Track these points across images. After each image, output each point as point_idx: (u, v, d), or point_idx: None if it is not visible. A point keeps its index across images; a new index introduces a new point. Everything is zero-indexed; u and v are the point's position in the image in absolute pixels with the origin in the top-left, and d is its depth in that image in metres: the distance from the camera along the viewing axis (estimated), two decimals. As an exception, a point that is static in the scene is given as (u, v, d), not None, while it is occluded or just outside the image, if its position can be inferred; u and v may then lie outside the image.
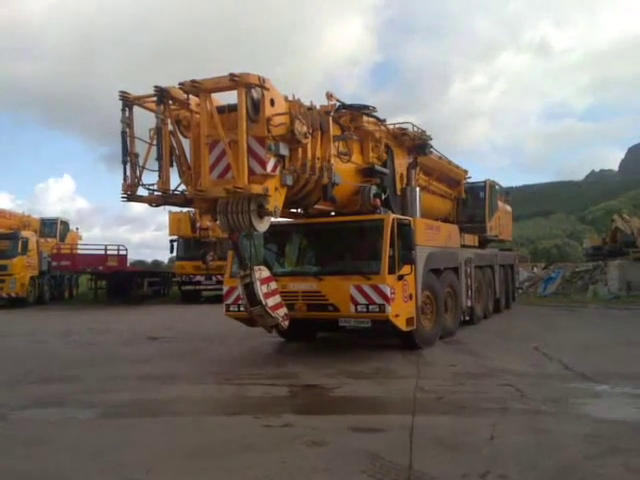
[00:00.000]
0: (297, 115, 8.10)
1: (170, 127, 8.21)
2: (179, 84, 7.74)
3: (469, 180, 16.35)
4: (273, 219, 9.01)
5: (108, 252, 26.05)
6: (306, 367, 8.83)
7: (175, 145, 8.37)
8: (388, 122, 11.25)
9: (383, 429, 5.61)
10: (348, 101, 10.09)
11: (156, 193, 8.20)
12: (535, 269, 30.92)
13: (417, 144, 11.87)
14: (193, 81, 7.58)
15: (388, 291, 8.82)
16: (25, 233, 25.42)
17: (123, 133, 8.08)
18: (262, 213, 7.84)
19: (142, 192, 8.34)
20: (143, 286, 28.32)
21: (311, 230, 10.54)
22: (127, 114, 8.13)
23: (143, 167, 8.19)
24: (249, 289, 8.19)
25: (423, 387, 7.30)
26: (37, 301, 25.41)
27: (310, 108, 8.76)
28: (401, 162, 11.70)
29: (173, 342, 12.48)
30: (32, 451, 5.23)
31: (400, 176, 11.58)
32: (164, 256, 54.67)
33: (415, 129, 11.86)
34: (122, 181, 8.20)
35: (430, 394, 6.96)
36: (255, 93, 7.58)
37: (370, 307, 8.90)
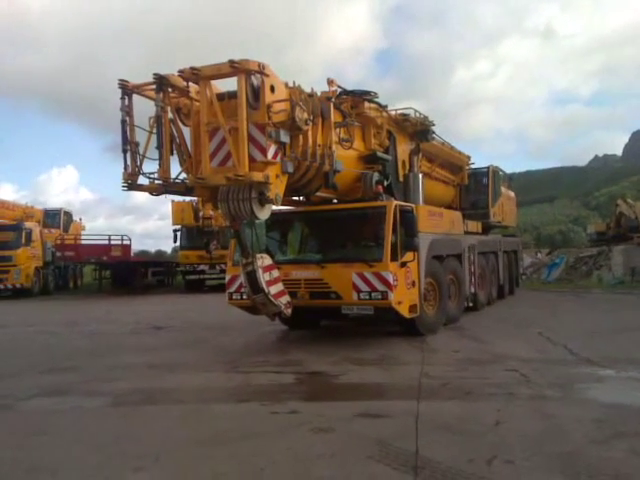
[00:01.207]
0: (298, 102, 8.03)
1: (170, 115, 8.16)
2: (178, 71, 7.68)
3: (472, 166, 16.28)
4: (274, 207, 9.00)
5: (112, 242, 26.12)
6: (311, 354, 8.86)
7: (175, 133, 8.32)
8: (390, 108, 11.19)
9: (389, 415, 5.63)
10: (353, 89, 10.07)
11: (157, 182, 8.17)
12: (539, 255, 30.87)
13: (419, 130, 11.79)
14: (192, 68, 7.53)
15: (391, 278, 8.82)
16: (29, 224, 25.48)
17: (123, 122, 8.02)
18: (263, 201, 7.80)
19: (143, 181, 8.33)
20: (147, 276, 28.42)
21: (313, 218, 10.54)
22: (126, 102, 8.06)
23: (144, 156, 8.14)
24: (251, 277, 8.20)
25: (428, 373, 7.31)
26: (42, 291, 25.51)
27: (311, 95, 8.71)
28: (403, 148, 11.65)
29: (178, 331, 12.53)
30: (39, 441, 5.26)
31: (402, 162, 11.53)
32: (168, 246, 54.86)
33: (417, 115, 11.78)
34: (122, 170, 8.16)
35: (435, 380, 6.97)
36: (255, 80, 7.54)
37: (373, 294, 8.89)
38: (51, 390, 7.22)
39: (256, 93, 7.57)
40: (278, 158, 7.91)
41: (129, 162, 8.15)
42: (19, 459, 4.76)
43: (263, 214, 8.00)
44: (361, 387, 7.00)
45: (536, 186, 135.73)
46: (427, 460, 4.36)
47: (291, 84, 8.40)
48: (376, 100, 10.45)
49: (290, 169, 8.14)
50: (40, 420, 5.99)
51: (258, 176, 7.48)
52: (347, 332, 11.37)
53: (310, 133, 8.52)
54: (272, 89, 7.72)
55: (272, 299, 8.28)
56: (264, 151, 7.66)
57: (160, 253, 51.46)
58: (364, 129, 10.45)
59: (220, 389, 7.03)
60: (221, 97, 7.82)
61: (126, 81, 8.04)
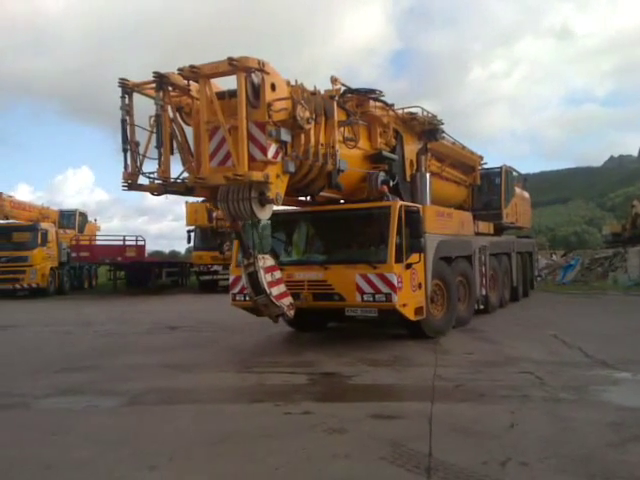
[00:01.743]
0: (299, 100, 7.92)
1: (171, 114, 8.09)
2: (178, 69, 7.59)
3: (485, 166, 16.09)
4: (276, 207, 8.92)
5: (126, 243, 26.31)
6: (324, 355, 8.87)
7: (177, 132, 8.24)
8: (398, 107, 11.03)
9: (402, 416, 5.63)
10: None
11: (157, 182, 8.09)
12: (554, 256, 30.65)
13: (427, 129, 11.58)
14: (192, 66, 7.45)
15: (395, 280, 8.69)
16: (44, 225, 25.72)
17: (123, 121, 7.96)
18: (263, 201, 7.69)
19: (143, 181, 8.26)
20: (161, 276, 28.59)
21: (317, 218, 10.44)
22: (126, 101, 7.99)
23: (144, 155, 8.06)
24: (253, 278, 8.12)
25: (441, 375, 7.29)
26: (57, 291, 25.74)
27: (314, 93, 8.60)
28: (411, 148, 11.47)
29: (192, 331, 12.59)
30: (55, 439, 5.31)
31: (410, 162, 11.36)
32: (181, 246, 55.17)
33: (425, 114, 11.58)
34: (122, 170, 8.10)
35: (448, 382, 6.95)
36: (255, 78, 7.42)
37: (376, 296, 8.77)
38: (66, 389, 7.29)
39: (256, 91, 7.46)
40: (279, 157, 7.81)
41: (129, 162, 8.08)
42: (35, 457, 4.82)
43: (264, 214, 7.91)
44: (374, 388, 7.00)
45: (550, 187, 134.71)
46: (440, 462, 4.36)
47: (293, 82, 8.31)
48: (382, 99, 10.29)
49: (291, 169, 8.02)
50: (55, 419, 6.06)
51: (258, 175, 7.38)
52: (360, 333, 11.36)
53: (312, 132, 8.39)
54: (273, 87, 7.61)
55: (274, 300, 8.19)
56: (264, 150, 7.55)
57: (174, 254, 51.84)
58: (370, 128, 10.30)
59: (234, 389, 7.07)
60: (221, 96, 7.73)
61: (126, 80, 7.98)
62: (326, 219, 10.34)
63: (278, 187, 7.79)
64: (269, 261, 8.42)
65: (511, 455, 4.46)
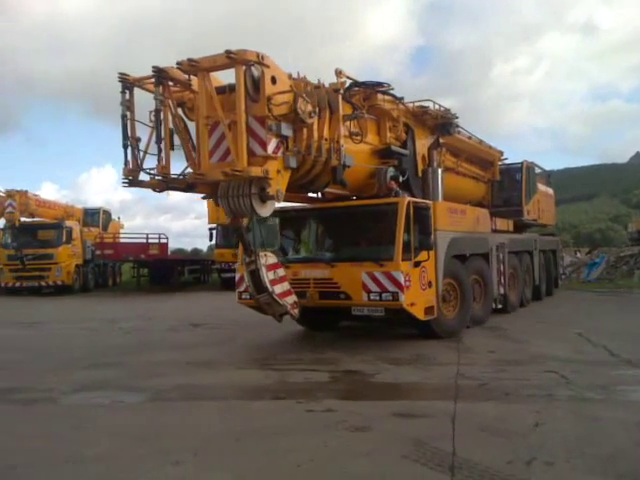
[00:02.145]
0: (301, 93, 7.71)
1: (173, 109, 7.96)
2: (177, 63, 7.42)
3: (506, 162, 15.82)
4: (282, 204, 8.82)
5: (149, 241, 26.56)
6: (345, 353, 8.85)
7: (179, 128, 8.06)
8: (409, 101, 10.73)
9: (425, 415, 5.60)
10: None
11: (157, 178, 7.95)
12: (578, 254, 30.24)
13: (440, 123, 11.22)
14: (190, 60, 7.29)
15: (402, 278, 8.50)
16: (69, 223, 26.08)
17: (123, 116, 7.83)
18: (264, 197, 7.51)
19: (145, 177, 8.11)
20: (184, 273, 28.81)
21: (323, 215, 10.23)
22: (127, 97, 7.87)
23: (145, 152, 7.91)
24: (254, 276, 7.97)
25: (464, 373, 7.24)
26: (82, 289, 26.10)
27: (318, 86, 8.40)
28: (423, 142, 11.16)
29: (214, 328, 12.68)
30: (81, 434, 5.39)
31: (422, 157, 11.04)
32: (204, 244, 55.46)
33: (437, 107, 11.22)
34: (123, 166, 7.99)
35: (472, 380, 6.90)
36: (255, 71, 7.24)
37: (383, 295, 8.58)
38: (92, 385, 7.40)
39: (256, 85, 7.28)
40: (280, 152, 7.64)
41: (129, 158, 7.95)
42: (61, 451, 4.90)
43: (264, 211, 7.73)
44: (397, 386, 6.98)
45: (574, 184, 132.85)
46: (464, 461, 4.33)
47: (295, 75, 8.14)
48: (391, 92, 9.95)
49: (293, 164, 7.84)
50: (82, 414, 6.15)
51: (257, 171, 7.21)
52: (377, 332, 11.31)
53: (316, 126, 8.17)
54: (273, 80, 7.41)
55: (277, 299, 8.03)
56: (264, 145, 7.38)
57: (196, 251, 52.22)
58: (379, 122, 10.00)
59: (256, 386, 7.09)
60: (222, 90, 7.56)
61: (126, 74, 7.86)
62: (332, 216, 10.11)
63: (279, 183, 7.62)
64: (272, 258, 8.26)
65: (536, 454, 4.41)
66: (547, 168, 20.23)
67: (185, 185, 8.13)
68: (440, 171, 11.09)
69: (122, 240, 27.77)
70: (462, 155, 13.20)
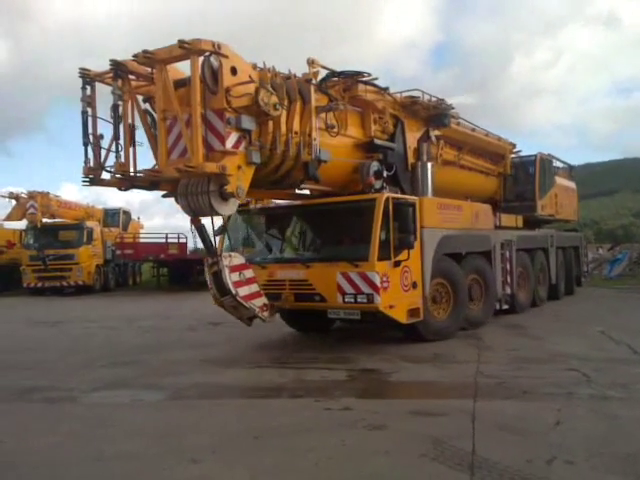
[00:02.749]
0: (264, 84, 7.26)
1: (136, 104, 7.70)
2: (133, 56, 7.11)
3: (521, 154, 15.23)
4: (247, 202, 8.76)
5: (169, 240, 26.75)
6: (361, 351, 8.81)
7: (145, 123, 7.76)
8: (399, 91, 10.26)
9: (444, 413, 5.58)
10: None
11: (116, 176, 7.65)
12: (600, 250, 29.83)
13: (434, 114, 10.59)
14: (145, 52, 6.96)
15: (377, 279, 8.05)
16: (90, 223, 26.37)
17: (83, 113, 7.54)
18: (224, 194, 7.15)
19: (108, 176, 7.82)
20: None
21: (300, 213, 9.87)
22: (88, 93, 7.59)
23: (109, 150, 7.57)
24: (217, 278, 7.65)
25: (483, 372, 7.19)
26: (103, 288, 26.38)
27: (289, 77, 7.96)
28: (415, 135, 10.57)
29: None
30: (101, 432, 5.45)
31: (414, 151, 10.48)
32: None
33: (429, 97, 10.58)
34: (83, 164, 7.66)
35: (491, 379, 6.85)
36: (215, 62, 6.92)
37: (358, 297, 8.15)
38: (113, 383, 7.48)
39: (216, 76, 6.94)
40: (242, 147, 7.27)
41: (90, 156, 7.62)
42: (84, 449, 4.96)
43: (226, 209, 7.40)
44: (415, 385, 6.97)
45: (596, 179, 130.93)
46: (484, 459, 4.30)
47: (262, 65, 7.76)
48: (373, 82, 9.40)
49: (256, 159, 7.42)
50: (102, 412, 6.22)
51: (212, 167, 6.86)
52: (392, 330, 11.20)
53: (284, 119, 7.73)
54: (233, 71, 7.03)
55: (242, 301, 7.69)
56: (222, 139, 7.04)
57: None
58: (363, 115, 9.51)
59: (274, 384, 7.11)
60: (182, 83, 7.22)
61: (87, 70, 7.59)
62: (309, 214, 9.76)
63: (240, 179, 7.22)
64: (237, 259, 7.86)
65: (557, 453, 4.37)
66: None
67: (148, 183, 7.83)
68: (430, 165, 10.46)
69: (142, 240, 28.01)
70: (465, 148, 12.54)
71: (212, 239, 7.98)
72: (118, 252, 26.44)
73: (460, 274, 10.11)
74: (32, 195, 24.40)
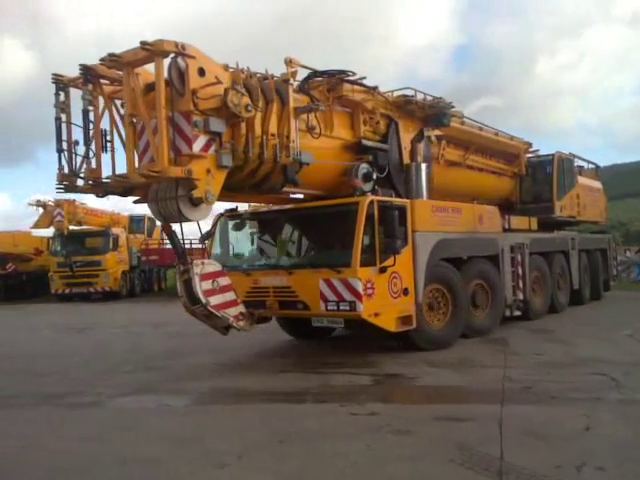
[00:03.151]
0: (234, 85, 6.98)
1: (112, 109, 7.50)
2: (100, 59, 6.92)
3: (539, 154, 14.76)
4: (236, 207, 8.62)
5: (193, 246, 26.97)
6: (386, 356, 8.76)
7: (116, 128, 7.57)
8: (391, 90, 9.90)
9: (470, 419, 5.53)
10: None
11: (89, 182, 7.50)
12: (628, 253, 29.31)
13: (431, 114, 10.13)
14: (111, 54, 6.76)
15: (359, 286, 7.68)
16: (115, 230, 26.70)
17: (57, 119, 7.38)
18: (194, 200, 6.95)
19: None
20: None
21: (284, 218, 9.64)
22: (62, 98, 7.42)
23: (85, 156, 7.41)
24: (189, 286, 7.36)
25: (510, 376, 7.11)
26: (129, 294, 26.67)
27: (266, 78, 7.71)
28: (411, 136, 10.17)
29: (257, 333, 12.72)
30: (127, 436, 5.51)
31: (410, 152, 10.06)
32: (244, 249, 55.80)
33: (423, 96, 10.12)
34: (57, 171, 7.47)
35: (518, 384, 6.77)
36: (183, 63, 6.74)
37: (340, 305, 7.82)
38: (138, 388, 7.56)
39: (184, 78, 6.77)
40: (211, 150, 7.04)
41: (64, 162, 7.46)
42: (111, 454, 5.01)
43: (196, 215, 7.17)
44: (440, 390, 6.91)
45: (623, 180, 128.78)
46: (512, 465, 4.26)
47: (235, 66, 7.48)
48: (360, 81, 9.04)
49: (227, 163, 7.16)
50: (128, 417, 6.30)
51: (176, 171, 6.65)
52: (389, 339, 10.92)
53: (259, 121, 7.44)
54: (201, 72, 6.84)
55: (213, 311, 7.38)
56: (190, 143, 6.83)
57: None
58: (353, 115, 9.20)
59: (299, 389, 7.11)
60: (152, 87, 6.94)
61: (60, 75, 7.43)
62: (292, 218, 9.53)
63: (209, 184, 6.97)
64: (210, 266, 7.55)
65: (586, 459, 4.30)
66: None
67: (121, 189, 7.64)
68: (425, 166, 9.97)
69: (167, 246, 28.28)
70: (471, 148, 12.02)
71: (183, 245, 7.78)
72: (143, 258, 26.75)
73: (458, 280, 9.64)
74: (59, 203, 24.79)
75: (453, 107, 10.45)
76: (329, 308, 7.95)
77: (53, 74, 7.42)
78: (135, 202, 7.92)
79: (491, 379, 7.04)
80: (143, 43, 6.47)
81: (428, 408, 6.03)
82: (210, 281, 7.38)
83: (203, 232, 8.42)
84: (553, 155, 14.46)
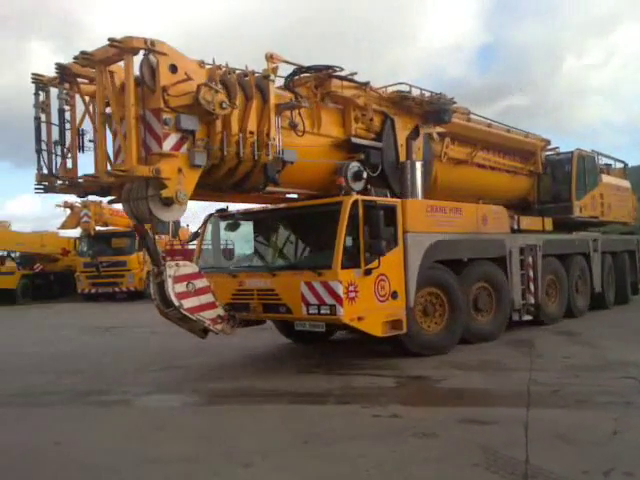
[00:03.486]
0: (209, 82, 6.86)
1: (91, 108, 7.35)
2: (73, 58, 6.83)
3: (559, 152, 14.23)
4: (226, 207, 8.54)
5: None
6: (408, 358, 8.64)
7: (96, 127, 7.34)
8: (384, 85, 9.61)
9: (496, 422, 5.47)
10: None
11: (66, 182, 7.42)
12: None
13: (431, 110, 9.78)
14: (83, 53, 6.66)
15: (340, 289, 7.37)
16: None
17: (36, 119, 7.31)
18: (166, 200, 6.78)
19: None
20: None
21: (269, 218, 9.49)
22: (41, 98, 7.35)
23: (60, 155, 7.34)
24: (162, 288, 7.21)
25: (536, 379, 7.01)
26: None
27: (246, 75, 7.56)
28: (408, 133, 9.84)
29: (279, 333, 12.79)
30: (154, 435, 5.58)
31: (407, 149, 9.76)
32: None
33: (419, 92, 9.71)
34: (36, 171, 7.38)
35: (545, 387, 6.67)
36: (155, 60, 6.62)
37: (321, 308, 7.51)
38: (164, 387, 7.65)
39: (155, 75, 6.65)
40: (183, 149, 6.87)
41: (43, 163, 7.35)
42: (139, 452, 5.08)
43: (167, 215, 7.01)
44: (465, 392, 6.85)
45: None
46: (538, 469, 4.20)
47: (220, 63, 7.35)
48: (349, 77, 8.77)
49: (200, 161, 6.98)
50: (155, 415, 6.38)
51: (143, 170, 6.49)
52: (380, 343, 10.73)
53: (235, 118, 7.27)
54: (173, 69, 6.70)
55: (187, 314, 7.19)
56: (160, 141, 6.69)
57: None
58: (344, 112, 8.93)
59: (320, 390, 7.10)
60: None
61: (40, 75, 7.34)
62: (277, 219, 9.36)
63: (181, 183, 6.79)
64: (185, 269, 7.36)
65: (615, 464, 4.23)
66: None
67: (99, 189, 7.51)
68: (419, 164, 9.56)
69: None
70: (479, 145, 11.55)
71: (157, 247, 7.75)
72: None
73: (456, 283, 9.26)
74: (86, 204, 25.15)
75: (455, 103, 10.12)
76: (310, 312, 7.65)
77: (32, 74, 7.34)
78: (110, 202, 7.85)
79: (517, 382, 6.96)
80: (111, 40, 6.37)
81: (452, 411, 5.98)
82: (184, 283, 7.21)
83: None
84: (572, 152, 13.89)
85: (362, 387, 7.19)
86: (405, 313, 8.25)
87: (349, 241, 7.83)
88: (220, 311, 7.60)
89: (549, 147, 14.09)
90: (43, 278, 27.88)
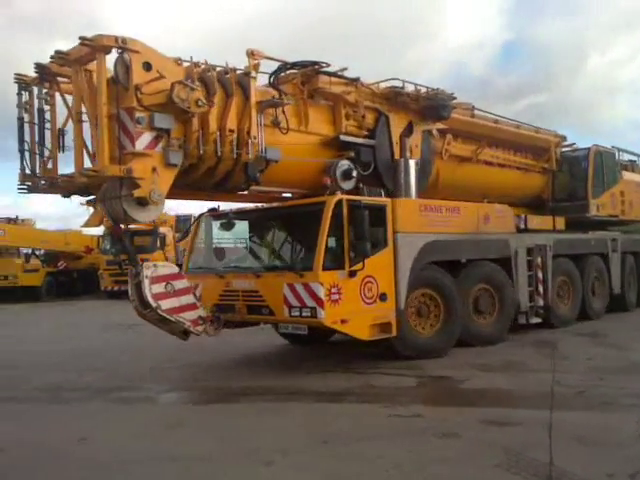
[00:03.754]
0: (185, 79, 6.73)
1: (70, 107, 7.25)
2: (50, 57, 6.79)
3: (576, 148, 13.75)
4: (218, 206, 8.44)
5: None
6: (432, 358, 8.57)
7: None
8: (376, 81, 9.25)
9: (518, 423, 5.40)
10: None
11: (46, 182, 7.37)
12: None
13: (428, 106, 9.40)
14: (58, 52, 6.65)
15: (321, 291, 7.17)
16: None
17: (19, 119, 7.26)
18: (140, 200, 6.70)
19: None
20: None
21: (255, 219, 9.40)
22: (25, 98, 7.30)
23: (40, 155, 7.29)
24: (139, 289, 7.10)
25: (560, 381, 6.91)
26: (175, 292, 27.17)
27: (227, 72, 7.44)
28: (402, 130, 9.53)
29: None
30: (175, 433, 5.60)
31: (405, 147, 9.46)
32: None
33: (413, 87, 9.41)
34: (19, 171, 7.33)
35: (569, 388, 6.58)
36: (128, 57, 6.54)
37: (303, 311, 7.35)
38: (185, 385, 7.72)
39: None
40: (158, 148, 6.75)
41: (26, 163, 7.31)
42: (161, 450, 5.11)
43: (142, 216, 6.91)
44: (487, 393, 6.78)
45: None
46: (562, 471, 4.14)
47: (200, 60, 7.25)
48: (337, 73, 8.52)
49: (175, 160, 6.86)
50: (175, 413, 6.43)
51: (114, 170, 6.42)
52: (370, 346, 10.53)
53: (214, 116, 7.13)
54: (147, 67, 6.59)
55: (165, 315, 7.08)
56: (133, 140, 6.60)
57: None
58: (334, 109, 8.73)
59: (341, 389, 7.09)
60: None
61: (23, 75, 7.30)
62: (264, 219, 9.25)
63: (155, 182, 6.68)
64: (164, 269, 7.27)
65: (640, 468, 4.15)
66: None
67: (77, 189, 7.43)
68: (413, 162, 9.24)
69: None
70: (484, 142, 11.11)
71: (133, 247, 7.65)
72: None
73: (452, 284, 8.98)
74: (109, 202, 25.46)
75: (455, 98, 9.70)
76: (292, 314, 7.50)
77: (15, 74, 7.30)
78: (87, 202, 7.74)
79: (540, 383, 6.86)
80: (82, 38, 6.32)
81: (474, 411, 5.92)
82: (163, 284, 7.09)
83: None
84: (589, 149, 13.36)
85: (383, 386, 7.16)
86: (395, 316, 8.04)
87: (333, 242, 7.70)
88: (202, 312, 7.48)
89: (566, 144, 13.63)
90: (67, 275, 28.27)
